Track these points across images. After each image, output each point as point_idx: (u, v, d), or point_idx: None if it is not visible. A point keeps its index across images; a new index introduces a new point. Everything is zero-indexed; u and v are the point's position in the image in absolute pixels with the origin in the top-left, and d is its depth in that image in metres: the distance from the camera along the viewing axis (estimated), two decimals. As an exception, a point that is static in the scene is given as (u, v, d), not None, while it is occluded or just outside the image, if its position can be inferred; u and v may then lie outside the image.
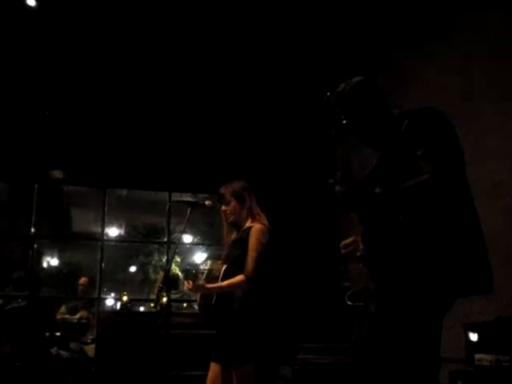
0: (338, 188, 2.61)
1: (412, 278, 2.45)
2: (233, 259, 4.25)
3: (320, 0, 7.19)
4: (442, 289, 2.45)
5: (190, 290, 4.18)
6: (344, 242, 2.79)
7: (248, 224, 4.34)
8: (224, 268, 4.23)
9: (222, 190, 4.43)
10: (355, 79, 2.83)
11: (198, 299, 4.31)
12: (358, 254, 2.62)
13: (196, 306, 4.41)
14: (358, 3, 7.23)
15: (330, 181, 2.65)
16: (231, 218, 4.40)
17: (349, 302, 2.66)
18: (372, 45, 7.55)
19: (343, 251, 2.76)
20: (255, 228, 4.26)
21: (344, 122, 2.65)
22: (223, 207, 4.40)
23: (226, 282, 4.13)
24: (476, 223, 2.54)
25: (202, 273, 4.20)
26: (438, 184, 2.43)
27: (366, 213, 2.60)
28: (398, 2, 6.96)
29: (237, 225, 4.44)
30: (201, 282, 4.10)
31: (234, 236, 4.47)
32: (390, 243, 2.52)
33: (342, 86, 2.81)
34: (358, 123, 2.76)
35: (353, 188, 2.56)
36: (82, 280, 8.94)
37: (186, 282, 4.21)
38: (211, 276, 4.20)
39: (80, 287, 8.91)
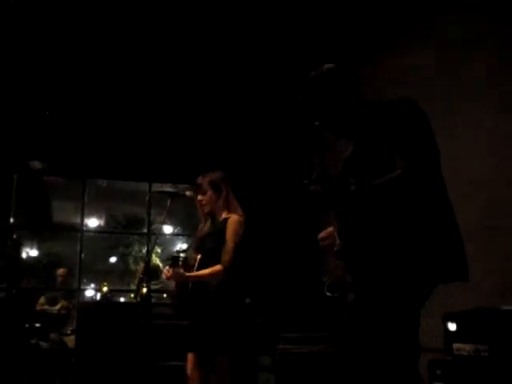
0: (312, 188, 2.62)
1: (389, 267, 2.47)
2: (209, 249, 4.25)
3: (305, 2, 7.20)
4: (419, 277, 2.46)
5: (169, 277, 4.19)
6: (321, 235, 2.79)
7: (224, 215, 4.35)
8: (199, 257, 4.24)
9: (200, 179, 4.44)
10: (326, 66, 2.82)
11: (173, 288, 4.32)
12: (335, 249, 2.63)
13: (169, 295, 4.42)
14: (344, 4, 7.25)
15: (305, 181, 2.66)
16: (206, 209, 4.41)
17: (328, 293, 2.67)
18: (359, 44, 7.56)
19: (321, 244, 2.76)
20: (232, 219, 4.28)
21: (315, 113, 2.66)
22: (199, 197, 4.41)
23: (204, 272, 4.15)
24: (450, 214, 2.55)
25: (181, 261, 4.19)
26: (410, 180, 2.44)
27: (342, 210, 2.61)
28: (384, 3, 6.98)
29: (212, 215, 4.45)
30: (180, 270, 4.11)
31: (208, 226, 4.47)
32: (367, 237, 2.53)
33: (313, 72, 2.82)
34: (328, 110, 2.76)
35: (327, 188, 2.56)
36: (61, 271, 8.89)
37: (165, 270, 4.21)
38: (186, 265, 4.21)
39: (59, 278, 8.86)
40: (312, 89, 2.78)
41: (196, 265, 4.22)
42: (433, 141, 2.57)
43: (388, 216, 2.47)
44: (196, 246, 4.50)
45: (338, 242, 2.63)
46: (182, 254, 4.23)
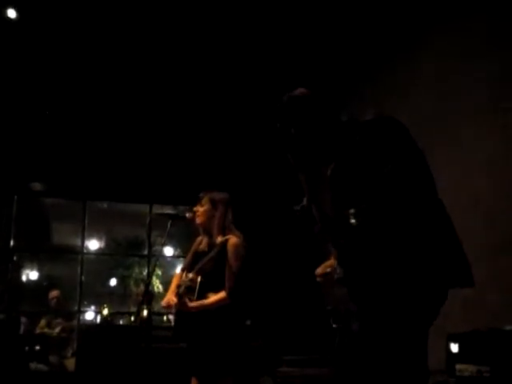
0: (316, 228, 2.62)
1: (394, 290, 2.45)
2: (209, 273, 4.23)
3: (300, 16, 7.23)
4: (426, 296, 2.44)
5: (168, 306, 4.17)
6: (317, 272, 2.77)
7: (220, 238, 4.34)
8: (199, 280, 4.21)
9: (202, 193, 4.46)
10: (295, 91, 2.80)
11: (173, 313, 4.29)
12: (336, 276, 2.61)
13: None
14: (344, 20, 7.29)
15: (296, 208, 2.65)
16: (199, 220, 4.41)
17: (334, 325, 2.65)
18: (357, 56, 7.61)
19: (318, 279, 2.74)
20: (232, 242, 4.27)
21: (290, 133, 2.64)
22: (196, 207, 4.42)
23: (209, 301, 4.13)
24: (449, 227, 2.53)
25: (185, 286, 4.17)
26: (398, 205, 2.42)
27: (339, 239, 2.60)
28: (383, 15, 7.02)
29: (205, 230, 4.45)
30: (186, 300, 4.08)
31: (204, 244, 4.46)
32: (366, 263, 2.52)
33: (284, 98, 2.79)
34: (303, 135, 2.73)
35: (324, 224, 2.56)
36: (54, 293, 8.81)
37: (172, 297, 4.18)
38: (189, 290, 4.18)
39: (52, 300, 8.80)
40: (284, 115, 2.76)
41: (197, 288, 4.19)
42: (414, 157, 2.53)
43: (384, 238, 2.46)
44: (193, 264, 4.48)
45: (338, 269, 2.61)
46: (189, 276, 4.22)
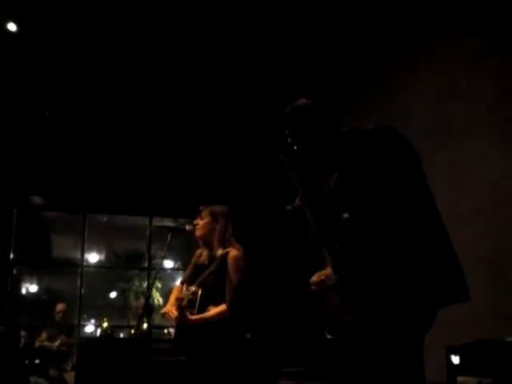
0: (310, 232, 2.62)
1: (389, 297, 2.44)
2: (210, 286, 4.22)
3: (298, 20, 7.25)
4: (421, 304, 2.43)
5: (167, 316, 4.16)
6: (312, 280, 2.76)
7: (221, 251, 4.34)
8: (200, 293, 4.21)
9: (202, 207, 4.47)
10: (297, 102, 2.82)
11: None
12: (331, 282, 2.60)
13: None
14: (338, 22, 7.30)
15: (288, 207, 2.66)
16: (198, 233, 4.41)
17: (328, 336, 2.64)
18: (357, 60, 7.63)
19: (313, 287, 2.73)
20: (233, 255, 4.27)
21: (290, 142, 2.63)
22: (196, 220, 4.42)
23: (209, 314, 4.12)
24: (444, 238, 2.52)
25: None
26: (390, 212, 2.42)
27: (333, 244, 2.59)
28: (383, 18, 7.04)
29: (205, 243, 4.45)
30: (187, 313, 4.08)
31: (205, 257, 4.46)
32: (362, 270, 2.51)
33: (286, 110, 2.81)
34: (304, 147, 2.74)
35: (318, 229, 2.55)
36: (60, 307, 8.81)
37: (172, 309, 4.17)
38: (191, 303, 4.17)
39: (58, 314, 8.80)
40: (288, 124, 2.77)
41: (198, 301, 4.18)
42: (413, 171, 2.53)
43: (380, 247, 2.46)
44: (193, 277, 4.48)
45: (332, 275, 2.60)
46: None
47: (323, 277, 2.67)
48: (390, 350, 2.47)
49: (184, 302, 4.07)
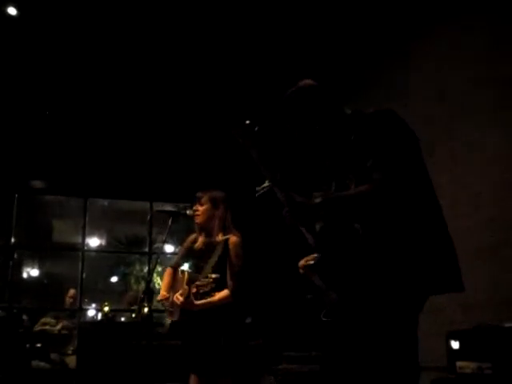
0: (284, 211, 2.62)
1: (377, 281, 2.43)
2: (212, 272, 4.22)
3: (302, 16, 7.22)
4: (411, 290, 2.42)
5: (179, 306, 4.15)
6: (300, 263, 2.76)
7: (221, 236, 4.34)
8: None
9: (200, 193, 4.45)
10: (301, 83, 2.80)
11: (175, 312, 4.28)
12: (311, 262, 2.61)
13: (167, 314, 4.35)
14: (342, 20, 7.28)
15: (257, 188, 2.66)
16: (199, 219, 4.40)
17: (324, 319, 2.64)
18: (360, 59, 7.60)
19: (301, 271, 2.73)
20: (233, 241, 4.27)
21: (254, 128, 2.60)
22: (196, 206, 4.41)
23: (213, 299, 4.12)
24: (440, 224, 2.51)
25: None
26: (378, 193, 2.41)
27: (313, 224, 2.60)
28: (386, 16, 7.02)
29: (204, 229, 4.44)
30: (192, 298, 4.07)
31: (202, 242, 4.45)
32: (347, 250, 2.51)
33: (289, 90, 2.80)
34: (305, 127, 2.73)
35: (291, 208, 2.55)
36: (72, 292, 8.87)
37: (175, 297, 4.17)
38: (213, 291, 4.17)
39: (70, 300, 8.85)
40: (289, 105, 2.76)
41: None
42: (410, 154, 2.52)
43: (369, 229, 2.45)
44: (186, 260, 4.48)
45: (315, 255, 2.61)
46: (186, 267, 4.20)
47: (311, 261, 2.68)
48: (379, 329, 2.47)
49: (207, 289, 4.04)
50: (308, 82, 2.80)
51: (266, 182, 2.61)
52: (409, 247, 2.41)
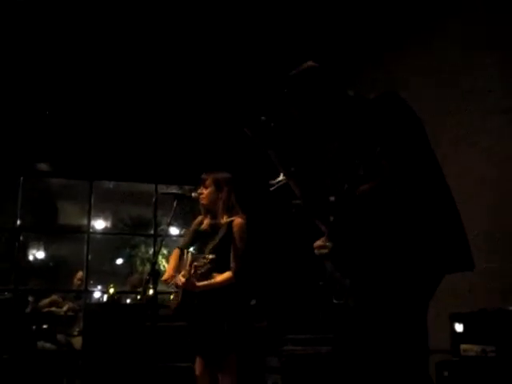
0: (293, 202, 2.62)
1: (389, 265, 2.43)
2: (215, 253, 4.23)
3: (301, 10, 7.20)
4: (423, 271, 2.42)
5: (181, 286, 4.17)
6: (315, 244, 2.76)
7: (225, 218, 4.35)
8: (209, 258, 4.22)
9: (205, 175, 4.47)
10: (304, 64, 2.78)
11: (179, 293, 4.30)
12: (325, 251, 2.61)
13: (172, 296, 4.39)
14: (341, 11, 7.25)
15: (272, 182, 2.66)
16: (203, 201, 4.43)
17: (335, 301, 2.64)
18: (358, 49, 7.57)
19: (316, 252, 2.73)
20: (238, 223, 4.28)
21: (270, 124, 2.59)
22: (201, 189, 4.43)
23: (215, 280, 4.14)
24: (450, 205, 2.51)
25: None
26: (390, 185, 2.40)
27: (327, 215, 2.59)
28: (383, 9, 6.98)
29: (210, 211, 4.46)
30: (194, 280, 4.09)
31: (207, 223, 4.47)
32: (360, 237, 2.51)
33: (292, 72, 2.78)
34: (309, 110, 2.72)
35: (306, 200, 2.54)
36: (79, 275, 8.91)
37: (178, 278, 4.19)
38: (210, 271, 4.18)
39: (77, 282, 8.90)
40: (292, 87, 2.75)
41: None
42: (418, 138, 2.51)
43: (381, 215, 2.45)
44: (192, 242, 4.51)
45: (327, 243, 2.60)
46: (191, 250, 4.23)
47: (324, 242, 2.68)
48: (392, 315, 2.48)
49: (203, 269, 4.07)
50: (310, 63, 2.78)
51: (281, 175, 2.61)
52: (419, 229, 2.41)
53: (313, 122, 2.74)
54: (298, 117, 2.75)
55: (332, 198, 2.49)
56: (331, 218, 2.59)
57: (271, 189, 2.66)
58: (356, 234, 2.52)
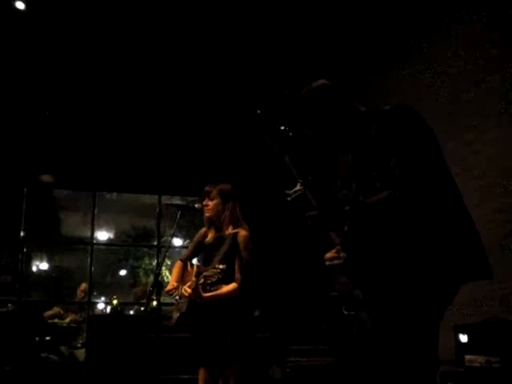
0: (308, 214, 2.62)
1: (406, 278, 2.43)
2: (224, 264, 4.23)
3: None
4: (440, 281, 2.42)
5: (187, 297, 4.17)
6: (326, 256, 2.75)
7: (230, 229, 4.35)
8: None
9: (209, 187, 4.47)
10: (315, 83, 2.79)
11: (184, 303, 4.29)
12: (337, 263, 2.60)
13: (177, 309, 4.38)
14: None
15: (288, 192, 2.65)
16: (209, 213, 4.42)
17: (345, 312, 2.63)
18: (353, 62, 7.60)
19: (327, 263, 2.72)
20: (243, 235, 4.28)
21: (289, 133, 2.59)
22: (205, 201, 4.43)
23: (221, 291, 4.14)
24: (465, 215, 2.51)
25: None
26: (404, 195, 2.40)
27: (341, 225, 2.58)
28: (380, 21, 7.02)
29: (214, 223, 4.46)
30: (200, 290, 4.09)
31: (212, 236, 4.47)
32: (375, 249, 2.51)
33: (303, 91, 2.79)
34: (322, 128, 2.73)
35: (322, 211, 2.54)
36: (83, 286, 8.92)
37: (183, 289, 4.19)
38: (219, 282, 4.18)
39: (81, 293, 8.90)
40: (304, 107, 2.75)
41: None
42: (431, 149, 2.52)
43: (395, 226, 2.45)
44: (195, 254, 4.52)
45: (341, 255, 2.60)
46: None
47: (336, 254, 2.67)
48: (405, 326, 2.47)
49: (214, 279, 4.07)
50: (321, 81, 2.79)
51: (298, 185, 2.61)
52: (435, 239, 2.41)
53: (328, 138, 2.75)
54: (314, 136, 2.76)
55: (347, 208, 2.48)
56: (345, 228, 2.58)
57: (288, 198, 2.65)
58: (370, 245, 2.52)
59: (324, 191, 2.54)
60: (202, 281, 4.02)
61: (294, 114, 2.78)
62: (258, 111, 2.59)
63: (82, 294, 8.88)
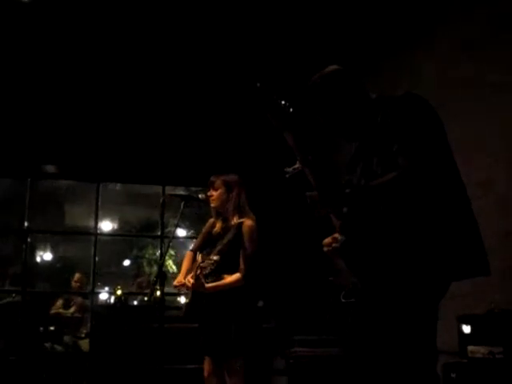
0: (307, 194, 2.62)
1: (402, 267, 2.43)
2: (224, 255, 4.24)
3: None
4: (436, 275, 2.42)
5: (190, 288, 4.18)
6: (324, 241, 2.75)
7: (236, 219, 4.36)
8: (215, 260, 4.23)
9: (214, 177, 4.48)
10: (327, 69, 2.79)
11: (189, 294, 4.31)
12: (336, 245, 2.60)
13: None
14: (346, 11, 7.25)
15: (287, 169, 2.65)
16: (214, 204, 4.44)
17: (343, 300, 2.64)
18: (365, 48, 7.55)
19: (325, 249, 2.72)
20: (247, 225, 4.29)
21: (289, 109, 2.57)
22: (210, 191, 4.44)
23: (224, 282, 4.15)
24: (466, 207, 2.50)
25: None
26: (408, 178, 2.39)
27: (341, 208, 2.58)
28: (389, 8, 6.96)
29: (220, 213, 4.47)
30: (203, 281, 4.10)
31: (219, 226, 4.48)
32: (373, 234, 2.50)
33: (315, 77, 2.78)
34: (333, 113, 2.72)
35: (320, 191, 2.53)
36: (77, 277, 8.93)
37: (187, 279, 4.20)
38: (215, 272, 4.19)
39: (76, 284, 8.91)
40: (315, 92, 2.75)
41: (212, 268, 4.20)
42: (437, 137, 2.50)
43: (395, 212, 2.44)
44: (204, 245, 4.52)
45: (339, 237, 2.60)
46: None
47: (334, 238, 2.68)
48: (401, 314, 2.47)
49: (207, 271, 4.09)
50: (333, 67, 2.79)
51: (297, 163, 2.61)
52: (434, 231, 2.41)
53: (336, 125, 2.75)
54: (324, 122, 2.76)
55: (347, 191, 2.48)
56: (344, 210, 2.58)
57: (286, 176, 2.65)
58: (368, 228, 2.52)
59: (323, 172, 2.54)
60: (198, 271, 4.05)
61: (306, 99, 2.78)
62: (258, 84, 2.58)
63: (77, 285, 8.88)
